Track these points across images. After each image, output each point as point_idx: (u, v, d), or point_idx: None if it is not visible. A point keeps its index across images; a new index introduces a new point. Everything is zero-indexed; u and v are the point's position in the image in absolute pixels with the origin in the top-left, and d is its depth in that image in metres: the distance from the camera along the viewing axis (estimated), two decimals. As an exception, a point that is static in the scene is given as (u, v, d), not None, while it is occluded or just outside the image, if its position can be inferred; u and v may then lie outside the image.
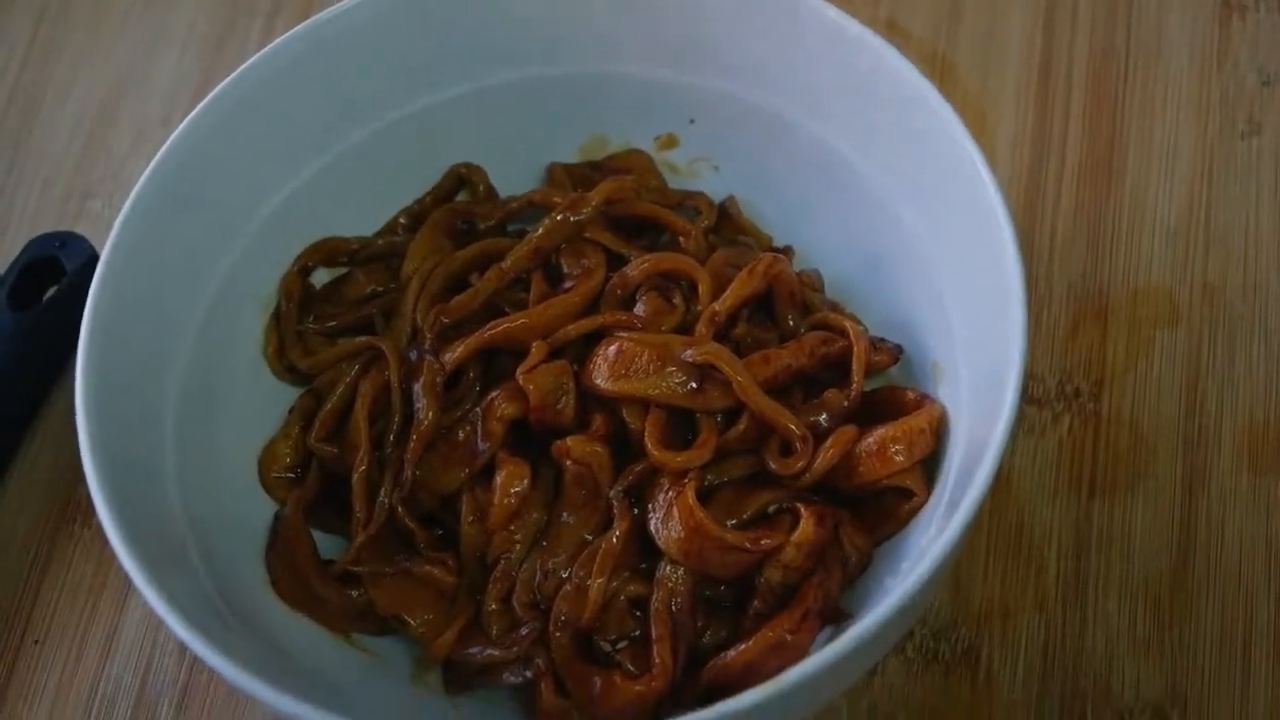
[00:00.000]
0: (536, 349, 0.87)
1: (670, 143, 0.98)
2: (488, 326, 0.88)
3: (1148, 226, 0.99)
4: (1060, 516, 0.92)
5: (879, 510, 0.86)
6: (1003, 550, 0.91)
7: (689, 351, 0.85)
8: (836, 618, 0.83)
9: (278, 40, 0.91)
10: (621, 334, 0.87)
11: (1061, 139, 1.03)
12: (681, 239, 0.93)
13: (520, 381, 0.86)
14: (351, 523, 0.88)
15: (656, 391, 0.85)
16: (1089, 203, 1.00)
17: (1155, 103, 1.03)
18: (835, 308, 0.92)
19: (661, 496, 0.84)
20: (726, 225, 0.96)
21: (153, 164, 0.87)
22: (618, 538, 0.84)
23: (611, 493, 0.85)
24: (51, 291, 1.01)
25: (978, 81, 1.03)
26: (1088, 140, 1.02)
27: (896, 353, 0.89)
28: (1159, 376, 0.95)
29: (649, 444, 0.84)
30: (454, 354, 0.88)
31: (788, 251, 0.95)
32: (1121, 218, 1.00)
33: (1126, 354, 0.95)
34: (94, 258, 1.01)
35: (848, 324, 0.88)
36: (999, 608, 0.90)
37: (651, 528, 0.84)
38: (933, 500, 0.84)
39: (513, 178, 0.98)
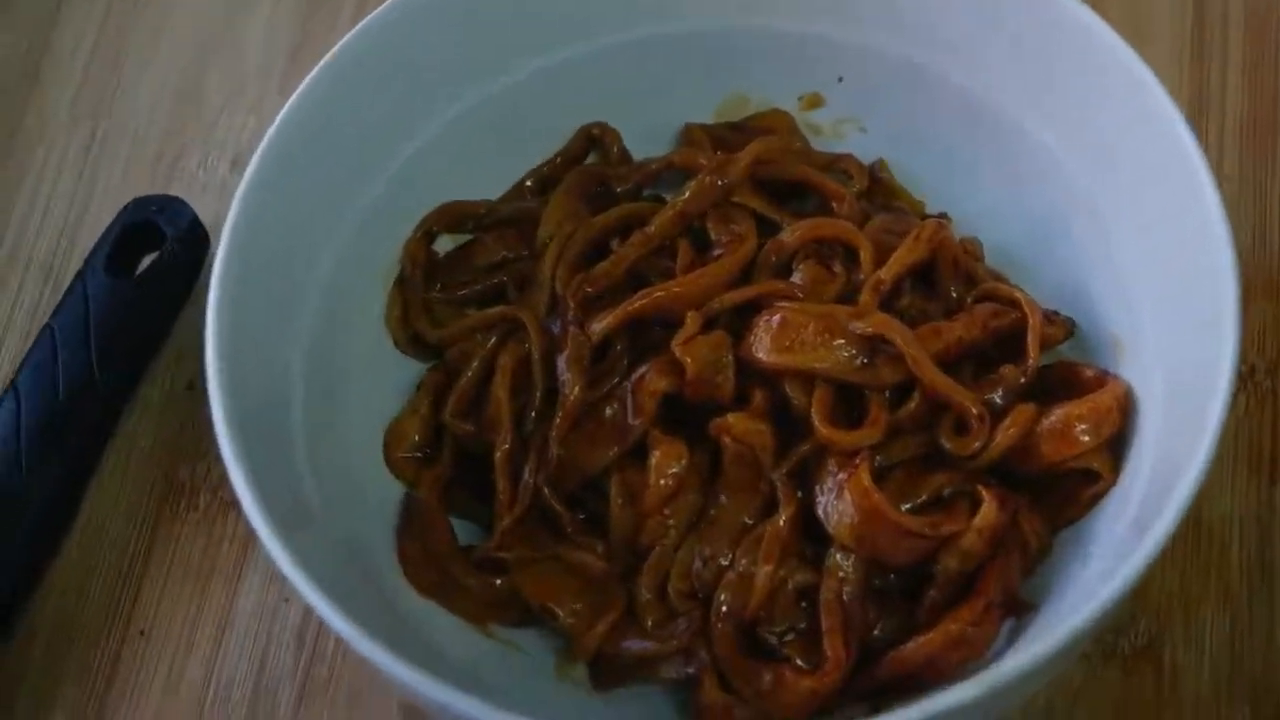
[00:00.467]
0: (691, 319, 0.81)
1: (815, 102, 0.93)
2: (637, 296, 0.82)
3: (1317, 190, 0.94)
4: (1240, 503, 0.86)
5: (1059, 494, 0.80)
6: (1180, 539, 0.85)
7: (857, 323, 0.80)
8: (1019, 609, 0.78)
9: (391, -2, 0.85)
10: (783, 304, 0.81)
11: (1220, 95, 0.97)
12: (835, 204, 0.87)
13: (677, 353, 0.80)
14: (490, 505, 0.82)
15: (824, 365, 0.79)
16: (1254, 164, 0.95)
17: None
18: (998, 278, 0.86)
19: (831, 479, 0.78)
20: (878, 190, 0.91)
21: (272, 128, 0.82)
22: (784, 522, 0.78)
23: (775, 474, 0.79)
24: (151, 258, 0.95)
25: (1128, 30, 0.97)
26: (1249, 96, 0.97)
27: (1070, 326, 0.84)
28: (1341, 351, 0.89)
29: (817, 421, 0.79)
30: (601, 324, 0.82)
31: (945, 218, 0.89)
32: (1290, 182, 0.94)
33: (1304, 328, 0.90)
34: (195, 222, 0.95)
35: (1019, 295, 0.83)
36: (1180, 600, 0.84)
37: (820, 511, 0.78)
38: (1122, 484, 0.78)
39: (646, 139, 0.92)
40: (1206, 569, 0.85)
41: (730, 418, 0.80)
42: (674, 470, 0.80)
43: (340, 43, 0.84)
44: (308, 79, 0.83)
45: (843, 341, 0.79)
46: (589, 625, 0.79)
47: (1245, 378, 0.89)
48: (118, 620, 0.89)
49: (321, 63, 0.84)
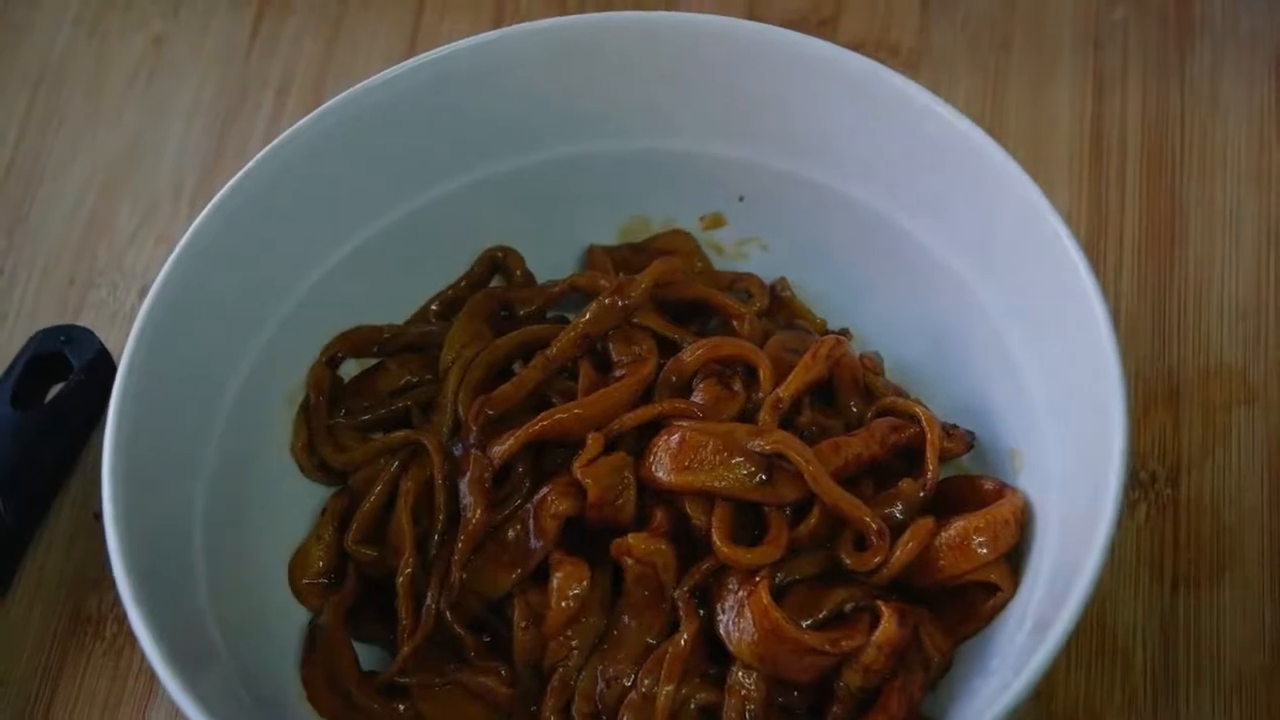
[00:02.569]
0: (593, 441, 0.81)
1: (716, 222, 0.93)
2: (539, 418, 0.83)
3: (1215, 302, 0.95)
4: (1143, 610, 0.86)
5: (959, 607, 0.81)
6: (1085, 647, 0.85)
7: (757, 441, 0.80)
8: (920, 724, 0.78)
9: (298, 124, 0.86)
10: (682, 423, 0.81)
11: (1119, 213, 0.98)
12: (735, 323, 0.88)
13: (578, 476, 0.80)
14: (392, 631, 0.82)
15: (723, 484, 0.80)
16: (1152, 278, 0.96)
17: (1214, 170, 0.99)
18: (899, 392, 0.87)
19: (731, 597, 0.78)
20: (779, 308, 0.91)
21: (172, 256, 0.82)
22: (685, 641, 0.78)
23: (677, 593, 0.79)
24: (57, 389, 0.95)
25: (1027, 151, 0.99)
26: (1146, 214, 0.98)
27: (970, 439, 0.84)
28: (1239, 461, 0.90)
29: (717, 540, 0.79)
30: (503, 447, 0.82)
31: (845, 334, 0.90)
32: (1187, 294, 0.95)
33: (1203, 438, 0.91)
34: (102, 352, 0.95)
35: (918, 409, 0.84)
36: (1085, 711, 0.84)
37: (722, 630, 0.78)
38: (1021, 595, 0.78)
39: (549, 262, 0.93)
40: (1112, 678, 0.85)
41: (631, 538, 0.80)
42: (575, 592, 0.79)
43: (241, 171, 0.84)
44: (209, 206, 0.83)
45: (742, 460, 0.80)
46: (492, 750, 0.79)
47: (1146, 486, 0.89)
48: (25, 751, 0.88)
49: (223, 190, 0.84)
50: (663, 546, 0.80)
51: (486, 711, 0.80)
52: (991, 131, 0.82)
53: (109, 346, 0.95)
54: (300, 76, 1.09)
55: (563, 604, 0.79)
